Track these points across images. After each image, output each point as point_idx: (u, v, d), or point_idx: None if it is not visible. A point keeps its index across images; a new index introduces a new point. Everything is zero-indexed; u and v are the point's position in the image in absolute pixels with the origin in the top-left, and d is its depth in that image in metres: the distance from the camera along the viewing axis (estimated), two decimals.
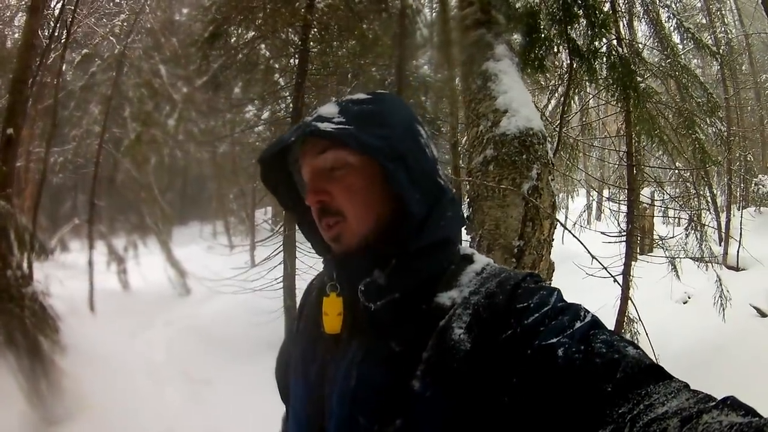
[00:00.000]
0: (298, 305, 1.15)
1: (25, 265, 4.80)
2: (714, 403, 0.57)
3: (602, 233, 4.88)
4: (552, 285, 0.86)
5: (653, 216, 9.25)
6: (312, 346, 0.97)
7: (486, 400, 0.75)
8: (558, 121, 5.45)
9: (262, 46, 7.70)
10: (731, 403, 0.56)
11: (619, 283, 3.45)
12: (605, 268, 3.48)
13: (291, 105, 6.66)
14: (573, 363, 0.69)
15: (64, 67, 13.58)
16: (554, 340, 0.72)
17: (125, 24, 11.40)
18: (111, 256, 11.67)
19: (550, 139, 3.75)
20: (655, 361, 0.69)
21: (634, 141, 4.72)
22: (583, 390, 0.67)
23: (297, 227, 1.10)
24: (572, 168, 6.51)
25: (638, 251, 8.67)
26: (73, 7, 10.66)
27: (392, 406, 0.79)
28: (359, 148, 0.86)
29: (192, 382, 5.93)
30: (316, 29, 6.36)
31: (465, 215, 3.78)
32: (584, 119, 6.66)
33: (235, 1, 6.63)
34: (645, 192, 7.83)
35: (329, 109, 0.92)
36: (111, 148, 11.76)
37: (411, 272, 0.88)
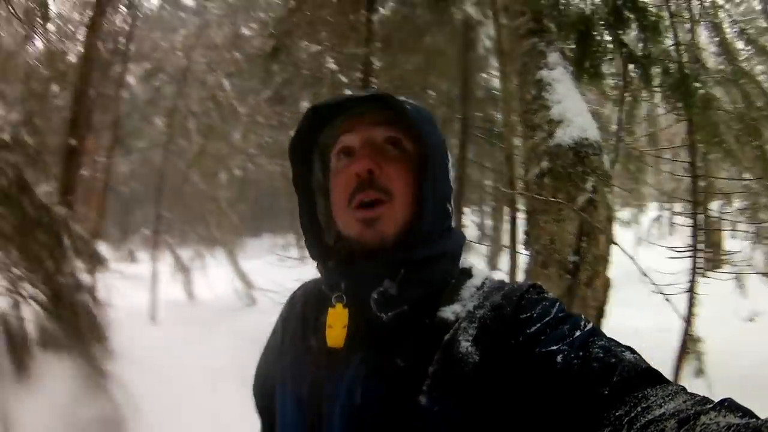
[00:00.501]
0: (279, 318, 1.09)
1: (81, 272, 4.88)
2: (711, 405, 0.58)
3: (669, 248, 4.66)
4: (554, 296, 0.87)
5: (721, 230, 8.85)
6: (301, 362, 0.94)
7: (496, 411, 0.75)
8: (622, 132, 5.29)
9: (328, 59, 7.77)
10: (729, 405, 0.57)
11: (669, 302, 3.27)
12: (658, 289, 3.31)
13: None
14: (571, 368, 0.71)
15: (130, 80, 14.17)
16: (554, 347, 0.74)
17: (190, 38, 11.71)
18: (177, 267, 11.97)
19: (607, 150, 3.63)
20: (652, 365, 0.70)
21: (698, 152, 4.51)
22: (580, 394, 0.68)
23: (299, 216, 0.99)
24: (638, 180, 6.29)
25: (707, 267, 8.31)
26: (132, 22, 11.08)
27: (399, 422, 0.78)
28: (425, 133, 0.87)
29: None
30: (378, 43, 6.34)
31: (524, 230, 3.72)
32: (649, 129, 6.41)
33: (297, 15, 6.70)
34: (714, 205, 7.50)
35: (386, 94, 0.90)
36: (176, 160, 12.05)
37: (419, 283, 0.87)
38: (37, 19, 5.68)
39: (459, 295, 0.87)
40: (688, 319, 4.31)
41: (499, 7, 4.67)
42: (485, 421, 0.75)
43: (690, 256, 4.26)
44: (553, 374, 0.71)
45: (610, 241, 3.24)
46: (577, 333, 0.76)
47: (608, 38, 3.69)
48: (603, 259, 3.20)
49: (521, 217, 4.10)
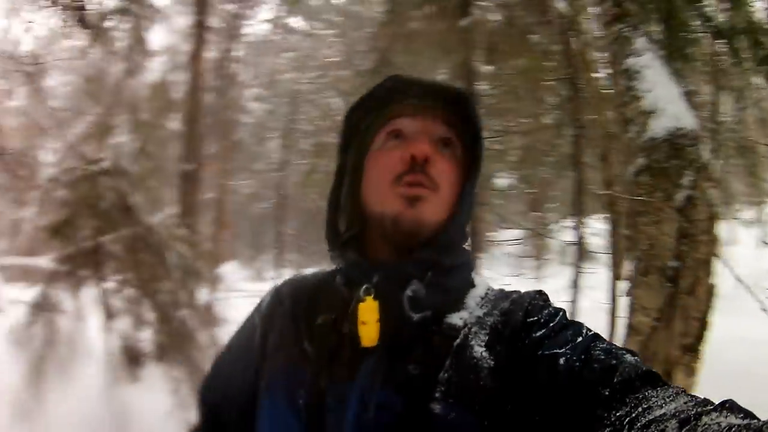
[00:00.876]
0: (256, 314, 1.00)
1: (190, 291, 5.19)
2: (713, 406, 0.57)
3: None
4: (559, 305, 0.87)
5: None
6: (296, 368, 0.86)
7: (511, 415, 0.75)
8: (725, 121, 4.72)
9: (434, 70, 7.76)
10: (730, 406, 0.56)
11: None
12: (754, 296, 2.92)
13: None
14: (573, 370, 0.71)
15: (246, 105, 14.98)
16: (557, 350, 0.74)
17: (300, 60, 12.14)
18: None
19: (708, 140, 3.27)
20: (651, 368, 0.70)
21: None
22: (581, 395, 0.68)
23: (329, 199, 0.95)
24: (755, 174, 5.63)
25: None
26: (238, 49, 11.66)
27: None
28: (479, 144, 0.90)
29: None
30: (479, 50, 6.22)
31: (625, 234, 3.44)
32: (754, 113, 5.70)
33: (394, 27, 6.73)
34: None
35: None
36: (295, 180, 12.49)
37: (443, 290, 0.85)
38: (138, 53, 6.10)
39: (464, 303, 0.87)
40: None
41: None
42: (502, 427, 0.76)
43: None
44: (554, 376, 0.72)
45: (714, 243, 2.88)
46: (579, 339, 0.76)
47: (693, 14, 3.33)
48: (705, 264, 2.86)
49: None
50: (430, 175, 0.84)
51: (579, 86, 6.24)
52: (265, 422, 0.87)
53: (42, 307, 4.43)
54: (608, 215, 4.14)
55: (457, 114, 0.90)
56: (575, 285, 5.37)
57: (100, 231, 4.64)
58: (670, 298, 2.91)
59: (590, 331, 0.79)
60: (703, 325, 2.84)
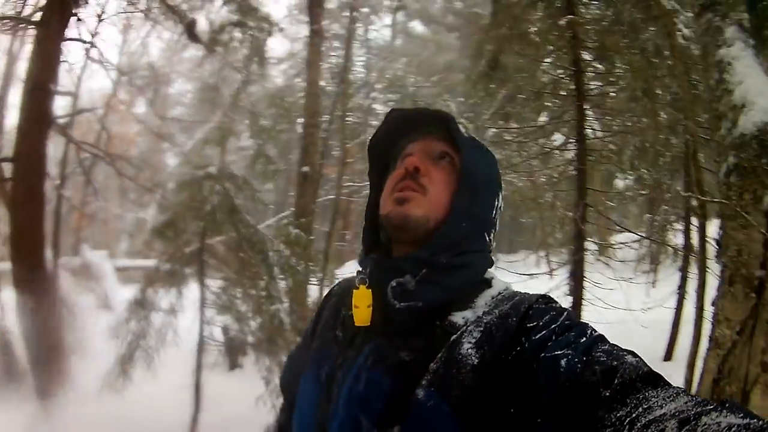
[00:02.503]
0: (317, 309, 1.18)
1: (282, 288, 5.48)
2: (712, 406, 0.58)
3: None
4: (565, 306, 0.89)
5: None
6: (326, 349, 1.01)
7: (491, 414, 0.77)
8: None
9: (544, 70, 7.63)
10: (730, 406, 0.57)
11: None
12: None
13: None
14: (574, 371, 0.72)
15: (377, 108, 15.42)
16: (558, 352, 0.75)
17: (420, 65, 12.33)
18: None
19: None
20: (652, 368, 0.71)
21: None
22: (582, 396, 0.69)
23: (365, 208, 1.12)
24: None
25: None
26: (345, 56, 12.03)
27: (395, 412, 0.82)
28: (463, 156, 0.98)
29: None
30: (590, 47, 6.05)
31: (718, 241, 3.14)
32: None
33: (498, 31, 6.70)
34: None
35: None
36: None
37: (436, 285, 0.91)
38: (256, 63, 6.50)
39: (474, 302, 0.91)
40: None
41: None
42: (478, 424, 0.78)
43: None
44: (555, 377, 0.72)
45: None
46: (583, 339, 0.77)
47: None
48: None
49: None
50: (419, 181, 0.95)
51: (690, 82, 5.82)
52: (301, 391, 1.03)
53: (140, 305, 4.86)
54: (700, 218, 3.81)
55: (453, 134, 1.00)
56: (681, 291, 5.03)
57: (205, 232, 5.00)
58: (754, 310, 2.66)
59: (594, 332, 0.80)
60: None
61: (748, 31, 3.07)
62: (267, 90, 8.88)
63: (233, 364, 6.54)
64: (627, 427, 0.61)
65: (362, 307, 0.94)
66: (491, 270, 1.02)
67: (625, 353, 0.73)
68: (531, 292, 0.95)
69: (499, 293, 0.94)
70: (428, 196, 0.94)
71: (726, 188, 2.97)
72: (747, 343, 2.66)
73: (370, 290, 0.94)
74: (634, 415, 0.62)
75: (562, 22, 5.90)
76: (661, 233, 7.54)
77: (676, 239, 7.47)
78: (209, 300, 5.08)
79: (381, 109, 15.24)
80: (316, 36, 8.47)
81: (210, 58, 5.14)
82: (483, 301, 0.92)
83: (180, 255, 4.92)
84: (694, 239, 6.15)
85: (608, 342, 0.78)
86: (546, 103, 7.80)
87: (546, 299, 0.90)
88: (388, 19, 16.07)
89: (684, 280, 5.68)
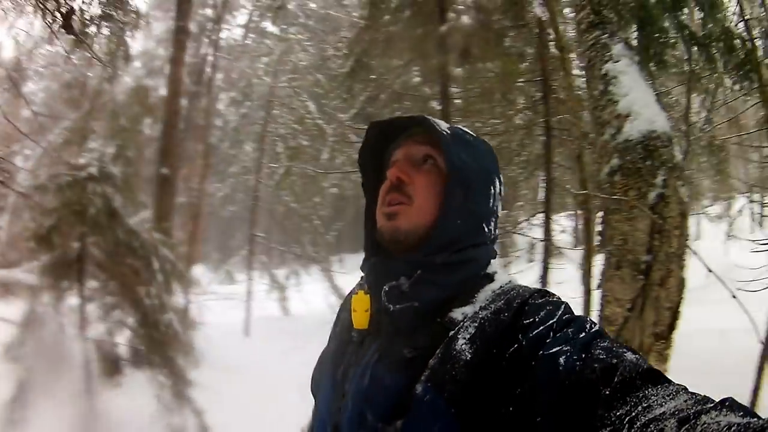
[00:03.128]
0: (338, 312, 1.23)
1: (171, 294, 5.20)
2: (712, 405, 0.58)
3: (753, 241, 4.34)
4: (562, 299, 0.90)
5: None
6: (342, 349, 1.05)
7: (487, 410, 0.78)
8: (697, 121, 4.96)
9: (410, 74, 7.88)
10: (730, 405, 0.57)
11: (739, 301, 3.05)
12: (725, 285, 3.09)
13: None
14: (573, 369, 0.72)
15: (220, 108, 14.91)
16: (557, 349, 0.75)
17: (273, 64, 12.13)
18: (272, 285, 12.47)
19: (679, 141, 3.45)
20: (652, 365, 0.71)
21: None
22: (582, 394, 0.69)
23: (364, 217, 1.14)
24: (721, 173, 5.91)
25: None
26: (214, 53, 11.63)
27: (397, 407, 0.84)
28: (446, 156, 0.97)
29: None
30: (455, 53, 6.35)
31: (599, 233, 3.58)
32: (728, 115, 5.99)
33: (372, 33, 6.83)
34: None
35: (441, 122, 1.03)
36: (269, 183, 12.51)
37: (432, 284, 0.94)
38: (120, 59, 6.06)
39: (475, 297, 0.93)
40: None
41: (560, 3, 4.55)
42: (473, 419, 0.79)
43: None
44: (555, 375, 0.72)
45: (684, 238, 3.06)
46: (582, 335, 0.77)
47: (669, 22, 3.51)
48: (677, 258, 3.03)
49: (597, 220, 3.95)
50: (405, 191, 0.98)
51: (551, 88, 6.45)
52: (321, 390, 1.07)
53: (30, 323, 4.42)
54: (581, 213, 4.29)
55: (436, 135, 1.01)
56: (543, 281, 5.57)
57: (85, 237, 4.64)
58: (642, 290, 3.08)
59: (593, 326, 0.81)
60: (674, 314, 3.01)
61: (634, 49, 3.54)
62: (127, 88, 8.32)
63: (117, 381, 6.01)
64: (627, 425, 0.62)
65: (360, 311, 0.99)
66: (495, 263, 1.03)
67: (624, 350, 0.74)
68: (527, 285, 0.98)
69: (500, 287, 0.96)
70: (416, 205, 0.97)
71: (610, 186, 3.40)
72: (638, 318, 3.07)
73: (368, 295, 0.99)
74: (633, 413, 0.62)
75: (433, 27, 6.23)
76: (515, 227, 8.19)
77: (533, 233, 8.13)
78: (90, 311, 4.69)
79: (232, 111, 14.87)
80: (181, 32, 8.15)
81: (75, 53, 4.72)
82: (484, 296, 0.93)
83: (58, 263, 4.50)
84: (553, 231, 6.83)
85: (607, 337, 0.78)
86: (406, 103, 8.17)
87: (542, 293, 0.91)
88: (242, 18, 15.73)
89: (546, 270, 6.30)
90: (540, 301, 0.87)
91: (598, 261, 3.73)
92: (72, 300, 4.68)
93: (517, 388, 0.76)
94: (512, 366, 0.79)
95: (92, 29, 5.43)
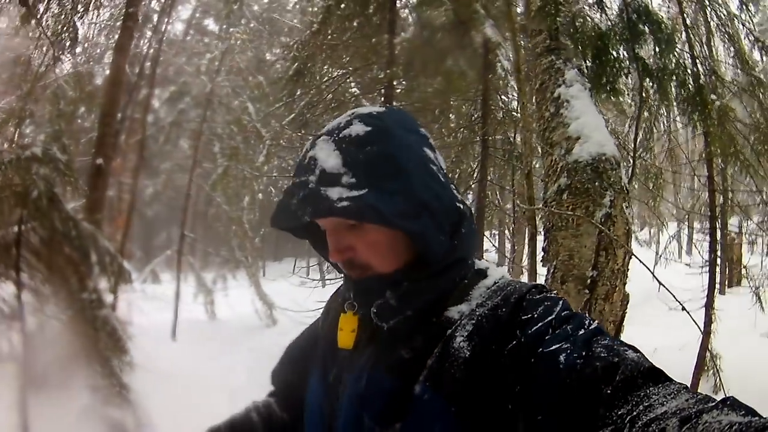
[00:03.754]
0: (325, 306, 1.17)
1: (105, 289, 5.00)
2: (713, 404, 0.58)
3: (687, 265, 4.66)
4: (558, 295, 0.88)
5: (741, 245, 8.67)
6: (333, 350, 1.00)
7: (487, 408, 0.77)
8: (637, 147, 5.26)
9: (351, 83, 7.92)
10: (731, 404, 0.57)
11: (691, 316, 3.27)
12: (677, 301, 3.31)
13: None
14: (574, 367, 0.70)
15: (155, 104, 14.46)
16: (556, 346, 0.74)
17: (214, 63, 11.91)
18: (199, 288, 12.07)
19: (624, 165, 3.66)
20: (654, 364, 0.70)
21: (715, 166, 4.50)
22: (582, 393, 0.68)
23: (312, 246, 1.08)
24: (657, 198, 6.26)
25: (726, 283, 8.16)
26: (158, 46, 11.32)
27: (396, 409, 0.83)
28: (384, 222, 0.85)
29: None
30: (400, 67, 6.45)
31: (543, 246, 3.74)
32: (665, 144, 6.41)
33: (319, 39, 6.84)
34: (733, 221, 7.39)
35: (330, 159, 0.88)
36: (201, 182, 12.24)
37: (421, 294, 0.90)
38: (66, 41, 5.84)
39: (469, 295, 0.90)
40: (706, 335, 4.29)
41: (516, 27, 4.74)
42: (475, 417, 0.78)
43: (707, 272, 4.25)
44: (555, 373, 0.71)
45: (629, 255, 3.25)
46: (581, 332, 0.76)
47: (624, 53, 3.72)
48: (621, 274, 3.22)
49: (540, 235, 4.12)
50: (359, 263, 0.91)
51: (490, 108, 6.69)
52: (309, 392, 1.05)
53: None
54: (529, 229, 4.48)
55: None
56: None
57: (24, 220, 4.41)
58: (587, 304, 3.24)
59: (592, 323, 0.79)
60: (618, 328, 3.20)
61: (587, 76, 3.74)
62: (70, 73, 7.99)
63: (40, 382, 5.70)
64: (628, 424, 0.61)
65: (346, 332, 0.95)
66: (487, 261, 1.00)
67: (625, 348, 0.73)
68: (524, 281, 0.94)
69: (495, 283, 0.92)
70: (376, 267, 0.90)
71: (557, 204, 3.56)
72: None
73: (357, 317, 0.95)
74: (635, 412, 0.62)
75: (380, 38, 6.34)
76: None
77: None
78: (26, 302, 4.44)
79: (168, 106, 14.52)
80: (130, 19, 7.88)
81: (22, 28, 4.54)
82: (478, 292, 0.90)
83: None
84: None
85: (607, 335, 0.77)
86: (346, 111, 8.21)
87: (539, 289, 0.88)
88: (185, 14, 15.37)
89: None
90: (538, 297, 0.85)
91: (540, 276, 3.86)
92: (7, 287, 4.42)
93: (517, 386, 0.75)
94: (511, 363, 0.77)
95: (43, 5, 5.25)
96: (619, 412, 0.63)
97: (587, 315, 0.85)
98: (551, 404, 0.70)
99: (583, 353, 0.71)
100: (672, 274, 4.70)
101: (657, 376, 0.68)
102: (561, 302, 0.83)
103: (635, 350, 0.73)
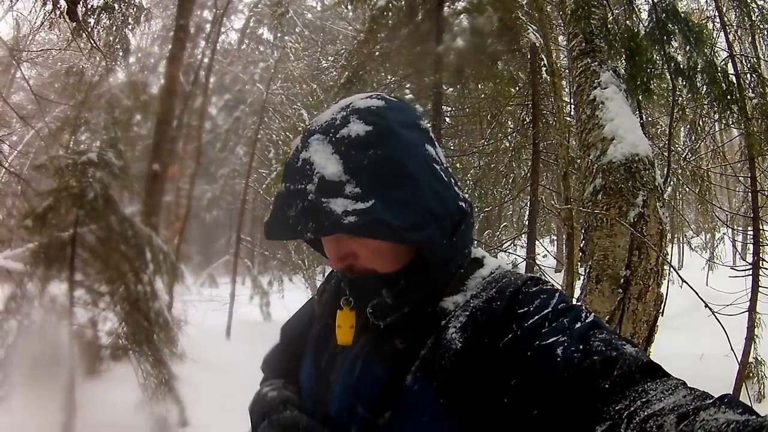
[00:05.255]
0: (318, 289, 1.17)
1: (161, 289, 5.24)
2: (711, 401, 0.58)
3: (731, 267, 4.56)
4: (555, 287, 0.86)
5: None
6: (325, 334, 1.01)
7: (479, 401, 0.76)
8: (681, 153, 5.20)
9: (406, 89, 8.04)
10: (729, 401, 0.56)
11: (719, 321, 3.21)
12: (705, 303, 3.27)
13: None
14: (571, 361, 0.70)
15: (213, 112, 14.95)
16: (553, 339, 0.73)
17: (269, 71, 12.25)
18: (255, 290, 12.39)
19: (658, 165, 3.64)
20: (652, 359, 0.69)
21: (758, 165, 4.40)
22: (580, 387, 0.67)
23: (308, 244, 1.06)
24: (703, 201, 6.11)
25: None
26: (211, 55, 11.72)
27: (388, 398, 0.82)
28: (395, 240, 0.81)
29: None
30: (449, 73, 6.51)
31: (581, 244, 3.75)
32: (709, 147, 6.27)
33: (370, 46, 6.99)
34: None
35: (330, 165, 0.82)
36: (258, 188, 12.55)
37: (419, 288, 0.89)
38: (119, 52, 6.13)
39: (465, 285, 0.89)
40: (749, 340, 4.19)
41: (551, 32, 4.77)
42: (464, 409, 0.77)
43: (751, 274, 4.16)
44: (552, 367, 0.70)
45: (662, 256, 3.24)
46: (578, 325, 0.75)
47: (656, 53, 3.72)
48: (655, 273, 3.20)
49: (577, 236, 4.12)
50: (360, 269, 0.89)
51: (541, 112, 6.68)
52: (303, 370, 1.06)
53: (14, 308, 4.44)
54: (564, 228, 4.48)
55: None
56: None
57: (79, 221, 4.66)
58: (621, 303, 3.24)
59: (589, 315, 0.78)
60: (651, 327, 3.18)
61: (621, 77, 3.75)
62: (124, 82, 8.39)
63: (92, 369, 6.02)
64: (625, 420, 0.61)
65: (344, 328, 0.93)
66: (482, 250, 0.99)
67: (623, 342, 0.72)
68: (520, 272, 0.94)
69: (491, 273, 0.92)
70: (382, 268, 0.88)
71: (593, 204, 3.58)
72: (616, 330, 3.25)
73: (354, 312, 0.93)
74: (632, 408, 0.61)
75: (430, 45, 6.42)
76: (499, 246, 8.38)
77: (517, 252, 8.31)
78: (79, 297, 4.71)
79: (224, 114, 15.01)
80: (181, 30, 8.24)
81: (75, 41, 4.80)
82: (474, 283, 0.90)
83: (49, 247, 4.53)
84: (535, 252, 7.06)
85: (605, 328, 0.76)
86: None
87: (535, 281, 0.87)
88: (238, 23, 15.90)
89: None
90: (534, 289, 0.84)
91: (580, 275, 3.85)
92: (60, 286, 4.67)
93: (512, 379, 0.74)
94: (507, 356, 0.76)
95: (94, 18, 5.53)
96: (617, 407, 0.63)
97: (584, 307, 0.81)
98: (548, 398, 0.70)
99: (581, 347, 0.71)
100: (720, 281, 4.59)
101: (655, 372, 0.68)
102: (557, 294, 0.82)
103: (633, 344, 0.72)
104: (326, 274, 1.20)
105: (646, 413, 0.59)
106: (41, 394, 4.37)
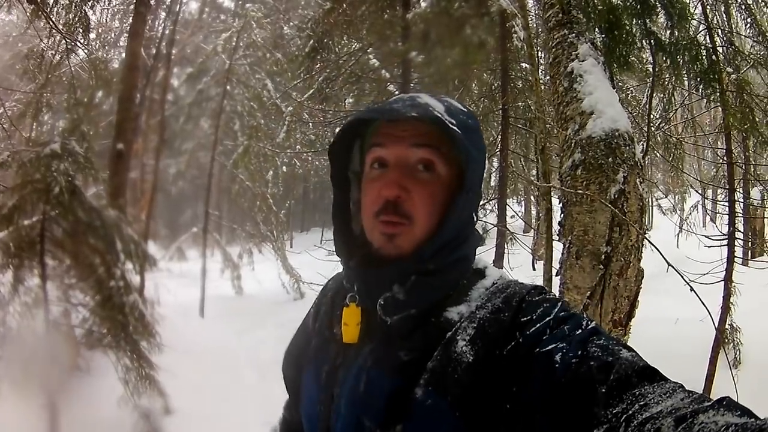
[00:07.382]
0: (314, 303, 1.17)
1: (131, 274, 5.10)
2: (710, 403, 0.58)
3: (707, 237, 4.61)
4: (557, 297, 0.88)
5: (764, 217, 8.53)
6: (325, 347, 1.01)
7: (488, 411, 0.77)
8: (655, 121, 5.20)
9: (370, 57, 7.91)
10: (727, 404, 0.56)
11: (696, 293, 3.25)
12: (683, 278, 3.29)
13: None
14: (569, 367, 0.71)
15: (175, 84, 14.59)
16: (553, 346, 0.75)
17: (231, 40, 11.96)
18: (226, 264, 12.36)
19: (638, 140, 3.62)
20: (649, 363, 0.71)
21: (734, 138, 4.43)
22: (578, 392, 0.68)
23: (333, 209, 1.03)
24: (675, 169, 6.18)
25: (748, 256, 8.07)
26: (173, 27, 11.38)
27: (396, 411, 0.82)
28: (466, 160, 0.88)
29: None
30: (416, 39, 6.41)
31: (558, 223, 3.73)
32: (684, 116, 6.32)
33: (335, 14, 6.83)
34: (755, 192, 7.26)
35: (432, 101, 0.90)
36: (223, 160, 12.34)
37: (429, 289, 0.90)
38: (78, 30, 5.88)
39: (468, 295, 0.91)
40: (725, 308, 4.26)
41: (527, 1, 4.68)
42: (477, 421, 0.78)
43: (726, 245, 4.21)
44: (551, 373, 0.72)
45: (642, 231, 3.24)
46: (578, 332, 0.76)
47: (637, 27, 3.67)
48: (635, 250, 3.21)
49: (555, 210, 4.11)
50: (403, 210, 0.88)
51: (509, 78, 6.62)
52: (303, 389, 1.05)
53: None
54: (543, 203, 4.47)
55: (439, 133, 0.89)
56: (498, 265, 5.75)
57: (46, 216, 4.50)
58: (602, 279, 3.24)
59: (590, 323, 0.79)
60: (632, 303, 3.19)
61: (600, 50, 3.69)
62: (85, 60, 8.08)
63: (72, 365, 5.87)
64: (623, 423, 0.61)
65: (351, 325, 0.94)
66: (484, 259, 1.00)
67: (620, 348, 0.73)
68: (523, 282, 0.94)
69: (493, 283, 0.93)
70: (415, 225, 0.88)
71: (571, 179, 3.55)
72: (597, 305, 3.25)
73: (360, 308, 0.94)
74: (630, 411, 0.62)
75: (396, 12, 6.31)
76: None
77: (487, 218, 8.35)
78: (53, 295, 4.56)
79: (186, 86, 14.64)
80: (142, 4, 7.93)
81: (33, 22, 4.58)
82: (477, 293, 0.91)
83: (18, 242, 4.37)
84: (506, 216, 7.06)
85: (603, 335, 0.77)
86: (365, 85, 8.24)
87: (538, 290, 0.89)
88: None
89: (501, 255, 6.54)
90: (537, 298, 0.85)
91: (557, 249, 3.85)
92: (33, 282, 4.52)
93: (514, 386, 0.76)
94: (510, 364, 0.78)
95: None
96: (614, 411, 0.63)
97: (585, 316, 0.83)
98: (546, 403, 0.71)
99: (579, 353, 0.72)
100: (692, 247, 4.65)
101: (652, 375, 0.68)
102: (559, 304, 0.84)
103: (630, 349, 0.74)
104: (322, 288, 1.18)
105: (644, 416, 0.60)
106: (24, 393, 4.28)
